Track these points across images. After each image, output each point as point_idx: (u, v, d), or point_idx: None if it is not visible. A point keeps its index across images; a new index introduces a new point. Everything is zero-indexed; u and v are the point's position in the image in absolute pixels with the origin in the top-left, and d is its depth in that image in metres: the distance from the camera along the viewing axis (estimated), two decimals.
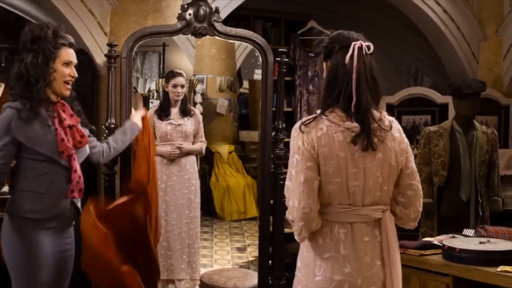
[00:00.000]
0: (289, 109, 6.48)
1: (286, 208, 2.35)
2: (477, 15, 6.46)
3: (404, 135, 2.38)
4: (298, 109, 6.06)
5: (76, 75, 2.86)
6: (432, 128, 4.49)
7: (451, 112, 5.76)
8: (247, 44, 4.32)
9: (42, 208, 2.79)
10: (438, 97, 6.27)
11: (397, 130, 2.35)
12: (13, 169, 2.87)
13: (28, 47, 2.78)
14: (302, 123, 2.30)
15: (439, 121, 5.77)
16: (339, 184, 2.25)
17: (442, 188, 4.39)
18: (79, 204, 2.97)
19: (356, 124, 2.25)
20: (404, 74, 11.40)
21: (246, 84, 8.57)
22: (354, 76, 2.25)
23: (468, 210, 4.37)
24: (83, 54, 5.12)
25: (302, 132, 2.28)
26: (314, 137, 2.25)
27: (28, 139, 2.74)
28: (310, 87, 6.05)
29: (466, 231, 3.74)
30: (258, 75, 8.31)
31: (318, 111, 2.33)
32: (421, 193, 2.41)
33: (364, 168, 2.25)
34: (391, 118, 2.37)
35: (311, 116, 2.32)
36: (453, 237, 3.63)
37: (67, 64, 2.82)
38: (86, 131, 3.01)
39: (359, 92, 2.25)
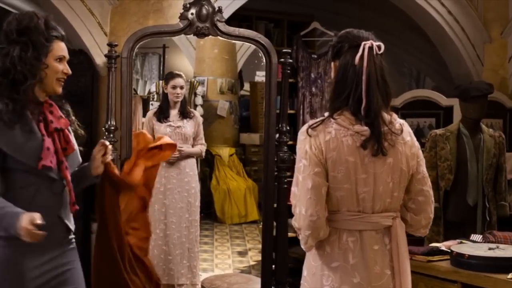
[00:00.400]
0: (292, 111, 6.40)
1: (289, 212, 2.27)
2: (482, 16, 6.40)
3: (415, 139, 2.30)
4: (301, 111, 5.99)
5: (70, 72, 2.52)
6: (438, 131, 4.41)
7: (456, 115, 5.70)
8: (249, 45, 4.25)
9: None
10: (443, 100, 6.20)
11: (408, 133, 2.27)
12: None
13: (13, 38, 2.39)
14: (310, 127, 2.21)
15: (443, 124, 5.70)
16: (348, 191, 2.16)
17: (449, 192, 4.31)
18: (69, 222, 2.54)
19: (366, 128, 2.16)
20: (406, 76, 11.37)
21: (247, 86, 8.51)
22: (364, 77, 2.17)
23: (475, 215, 4.29)
24: (83, 55, 5.07)
25: (310, 136, 2.19)
26: (322, 141, 2.17)
27: (9, 146, 2.35)
28: (313, 89, 5.97)
29: (474, 237, 3.68)
30: (259, 77, 8.27)
31: (326, 114, 2.24)
32: (433, 199, 2.34)
33: (374, 173, 2.17)
34: (402, 121, 2.29)
35: (318, 119, 2.23)
36: (461, 242, 3.56)
37: (60, 59, 2.47)
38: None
39: (369, 94, 2.17)
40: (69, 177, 2.48)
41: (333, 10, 8.31)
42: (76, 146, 2.58)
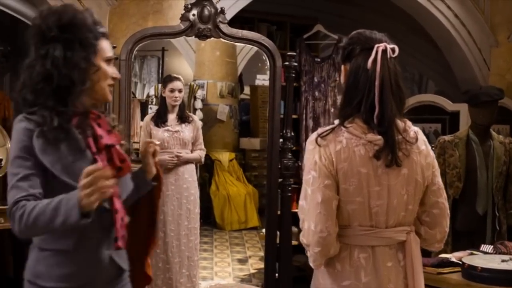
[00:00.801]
0: (294, 116, 6.27)
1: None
2: (489, 20, 6.28)
3: (430, 147, 2.17)
4: (304, 116, 5.85)
5: (119, 75, 2.15)
6: (447, 138, 4.29)
7: (463, 120, 5.57)
8: (250, 48, 4.16)
9: (66, 273, 1.96)
10: (448, 105, 6.08)
11: (423, 142, 2.14)
12: None
13: (54, 35, 1.94)
14: (319, 135, 2.06)
15: (450, 130, 5.58)
16: (360, 204, 2.02)
17: (457, 201, 4.18)
18: (120, 259, 2.10)
19: (379, 137, 2.02)
20: (408, 81, 11.25)
21: (247, 89, 8.40)
22: (377, 83, 2.03)
23: (485, 224, 4.17)
24: None
25: (319, 146, 2.04)
26: (332, 151, 2.02)
27: (55, 165, 1.93)
28: (316, 93, 5.82)
29: (484, 247, 3.56)
30: (259, 80, 8.15)
31: (336, 122, 2.09)
32: (448, 211, 2.19)
33: (388, 185, 2.03)
34: (416, 129, 2.15)
35: (328, 127, 2.08)
36: (472, 253, 3.43)
37: (109, 61, 2.08)
38: None
39: (383, 101, 2.03)
40: (119, 206, 2.01)
41: (337, 12, 8.20)
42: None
